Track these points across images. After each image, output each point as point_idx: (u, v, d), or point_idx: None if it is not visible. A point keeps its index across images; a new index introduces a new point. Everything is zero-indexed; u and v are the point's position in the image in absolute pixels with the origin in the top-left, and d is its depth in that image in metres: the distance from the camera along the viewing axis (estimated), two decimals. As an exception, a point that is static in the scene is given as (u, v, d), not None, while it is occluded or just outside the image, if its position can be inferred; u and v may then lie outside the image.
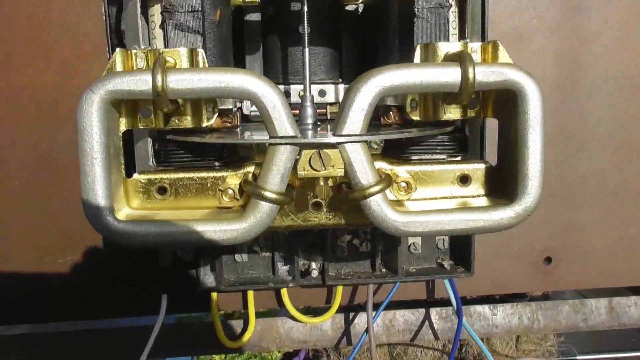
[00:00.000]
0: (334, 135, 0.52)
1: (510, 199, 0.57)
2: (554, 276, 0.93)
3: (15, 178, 0.81)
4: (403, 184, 0.60)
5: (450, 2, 0.62)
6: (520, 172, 0.56)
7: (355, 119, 0.52)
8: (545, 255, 0.93)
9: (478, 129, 0.69)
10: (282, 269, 0.80)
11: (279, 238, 0.77)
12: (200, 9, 0.58)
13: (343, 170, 0.52)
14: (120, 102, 0.54)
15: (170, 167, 0.61)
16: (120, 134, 0.55)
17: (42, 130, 0.80)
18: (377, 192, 0.53)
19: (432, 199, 0.61)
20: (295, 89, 0.76)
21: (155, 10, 0.61)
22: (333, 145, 0.52)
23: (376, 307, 0.86)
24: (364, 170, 0.53)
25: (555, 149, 0.90)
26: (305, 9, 0.64)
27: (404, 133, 0.57)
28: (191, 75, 0.50)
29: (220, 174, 0.58)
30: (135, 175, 0.58)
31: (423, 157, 0.64)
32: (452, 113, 0.61)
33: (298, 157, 0.53)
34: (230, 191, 0.58)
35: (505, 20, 0.88)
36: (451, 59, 0.57)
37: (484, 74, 0.53)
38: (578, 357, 2.12)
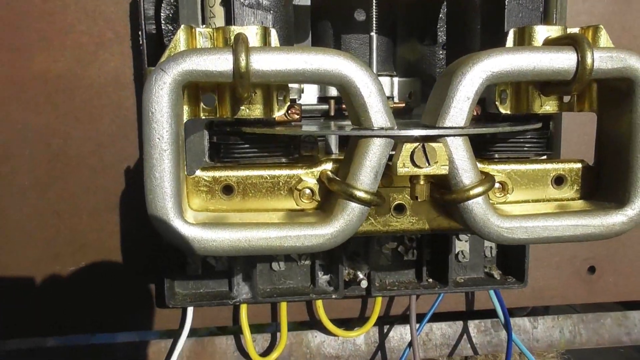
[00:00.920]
0: (436, 127, 0.46)
1: (619, 202, 0.51)
2: (597, 287, 0.88)
3: (24, 176, 0.72)
4: (497, 185, 0.53)
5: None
6: (633, 173, 0.50)
7: (460, 109, 0.45)
8: (588, 264, 0.87)
9: (560, 124, 0.63)
10: (322, 278, 0.73)
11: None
12: (272, -17, 0.51)
13: (447, 167, 0.45)
14: (184, 88, 0.47)
15: (229, 164, 0.54)
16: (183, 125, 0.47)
17: (55, 124, 0.71)
18: (481, 194, 0.47)
19: (528, 202, 0.54)
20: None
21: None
22: (435, 139, 0.46)
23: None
24: (467, 168, 0.47)
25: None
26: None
27: (517, 126, 0.51)
28: (277, 55, 0.43)
29: (294, 171, 0.51)
30: (198, 172, 0.50)
31: (510, 155, 0.58)
32: (550, 106, 0.54)
33: (392, 152, 0.46)
34: (307, 191, 0.50)
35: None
36: (558, 43, 0.50)
37: (602, 60, 0.47)
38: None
